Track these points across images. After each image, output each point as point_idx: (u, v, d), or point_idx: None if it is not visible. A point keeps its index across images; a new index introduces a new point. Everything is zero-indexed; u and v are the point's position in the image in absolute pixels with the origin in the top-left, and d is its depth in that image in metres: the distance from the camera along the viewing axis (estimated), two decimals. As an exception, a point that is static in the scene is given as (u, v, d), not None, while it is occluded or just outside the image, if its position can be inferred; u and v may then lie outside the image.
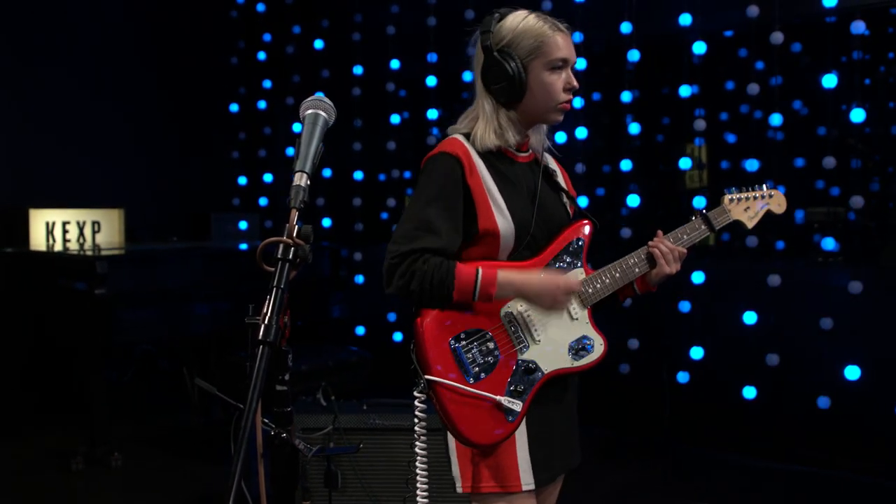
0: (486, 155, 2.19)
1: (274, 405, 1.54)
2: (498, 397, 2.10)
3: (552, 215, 2.26)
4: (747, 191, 2.41)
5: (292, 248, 1.49)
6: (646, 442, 5.25)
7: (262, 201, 7.00)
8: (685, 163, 4.86)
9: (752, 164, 4.58)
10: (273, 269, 1.48)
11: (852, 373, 4.18)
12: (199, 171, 7.51)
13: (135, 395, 6.45)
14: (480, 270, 2.07)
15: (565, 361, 2.18)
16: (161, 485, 4.65)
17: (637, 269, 2.27)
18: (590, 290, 2.22)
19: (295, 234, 1.50)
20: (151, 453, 5.20)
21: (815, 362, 4.62)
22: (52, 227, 6.04)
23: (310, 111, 1.68)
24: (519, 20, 2.17)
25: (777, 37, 4.38)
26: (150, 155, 7.34)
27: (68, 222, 6.15)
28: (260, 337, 1.42)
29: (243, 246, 6.58)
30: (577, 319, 2.21)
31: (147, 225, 7.24)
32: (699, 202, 4.66)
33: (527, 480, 2.13)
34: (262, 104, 6.90)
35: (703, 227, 2.34)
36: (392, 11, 6.06)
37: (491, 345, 2.12)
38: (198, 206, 7.35)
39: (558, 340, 2.18)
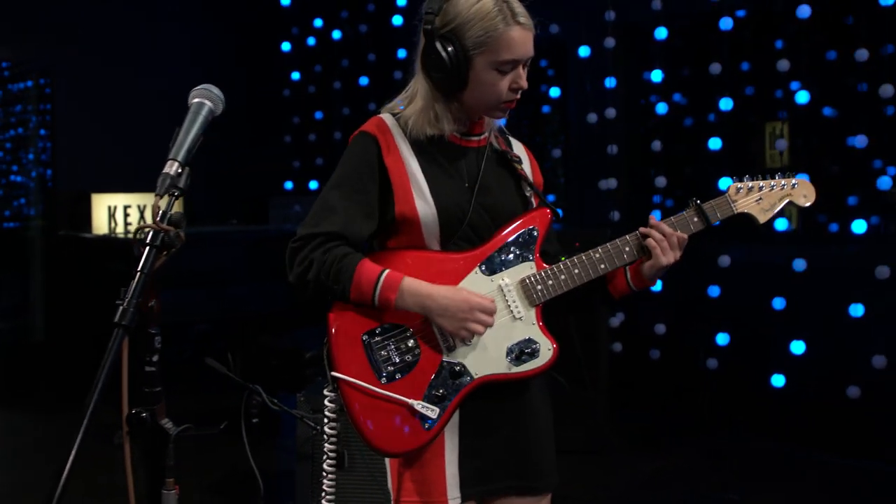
0: (419, 136, 1.99)
1: (144, 386, 1.58)
2: (411, 401, 1.87)
3: (499, 204, 2.02)
4: (762, 179, 2.09)
5: (161, 235, 1.52)
6: (680, 429, 5.15)
7: (313, 185, 7.12)
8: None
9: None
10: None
11: (880, 361, 4.01)
12: (258, 155, 7.68)
13: (189, 373, 6.67)
14: (385, 273, 1.87)
15: (501, 366, 1.92)
16: (196, 459, 4.79)
17: (603, 266, 1.98)
18: (538, 287, 1.97)
19: (164, 221, 1.52)
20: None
21: (844, 351, 4.45)
22: (113, 211, 6.28)
23: (196, 100, 1.69)
24: (470, 3, 1.89)
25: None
26: (210, 139, 7.53)
27: (129, 206, 6.37)
28: (116, 319, 1.46)
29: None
30: (520, 319, 1.95)
31: (209, 209, 7.46)
32: (724, 184, 4.51)
33: (453, 495, 1.92)
34: (312, 88, 7.00)
35: (695, 219, 2.04)
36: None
37: (411, 343, 1.91)
38: (256, 190, 7.53)
39: (494, 342, 1.92)
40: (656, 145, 4.80)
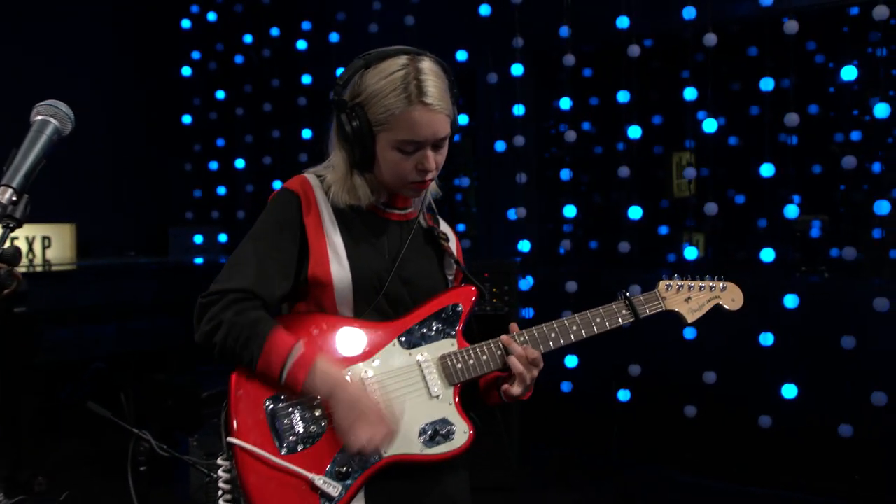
0: (340, 204, 1.90)
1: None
2: (311, 475, 1.73)
3: (419, 278, 1.95)
4: (691, 279, 2.09)
5: (-11, 273, 1.32)
6: (593, 463, 5.04)
7: (215, 215, 6.83)
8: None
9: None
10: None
11: (789, 391, 3.97)
12: (157, 184, 7.36)
13: (82, 415, 6.29)
14: (299, 347, 1.74)
15: (413, 446, 1.80)
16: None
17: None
18: (458, 366, 1.88)
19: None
20: (78, 476, 5.04)
21: (755, 380, 4.41)
22: None
23: (39, 117, 1.48)
24: (380, 77, 1.81)
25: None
26: (106, 168, 7.20)
27: (17, 238, 5.98)
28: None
29: (198, 260, 6.46)
30: (437, 398, 1.85)
31: (106, 239, 7.10)
32: (634, 213, 4.45)
33: None
34: (213, 115, 6.74)
35: (624, 312, 2.00)
36: (338, 19, 5.91)
37: (318, 412, 1.77)
38: (156, 220, 7.21)
39: (408, 420, 1.81)
40: (565, 174, 4.71)
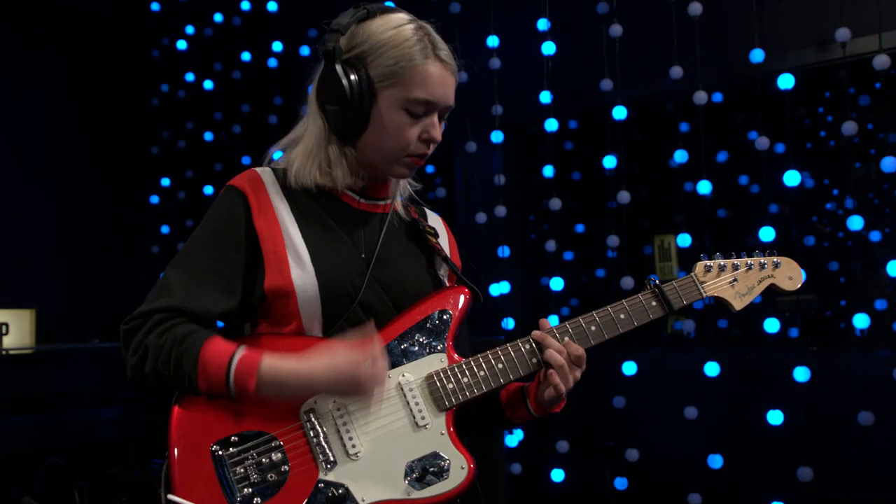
0: (302, 192, 1.62)
1: None
2: None
3: (402, 281, 1.65)
4: (735, 257, 1.79)
5: None
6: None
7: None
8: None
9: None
10: None
11: (806, 473, 3.62)
12: (123, 267, 7.06)
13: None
14: (239, 353, 1.45)
15: (397, 489, 1.51)
16: None
17: (535, 360, 1.62)
18: (449, 386, 1.56)
19: None
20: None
21: (764, 462, 4.06)
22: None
23: None
24: (388, 26, 1.59)
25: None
26: (69, 253, 6.91)
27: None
28: None
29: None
30: (425, 428, 1.54)
31: (69, 325, 6.76)
32: (626, 286, 4.16)
33: None
34: (182, 195, 6.49)
35: (653, 304, 1.70)
36: (309, 92, 5.71)
37: (277, 456, 1.48)
38: (122, 305, 6.86)
39: (389, 457, 1.52)
40: (550, 246, 4.43)
